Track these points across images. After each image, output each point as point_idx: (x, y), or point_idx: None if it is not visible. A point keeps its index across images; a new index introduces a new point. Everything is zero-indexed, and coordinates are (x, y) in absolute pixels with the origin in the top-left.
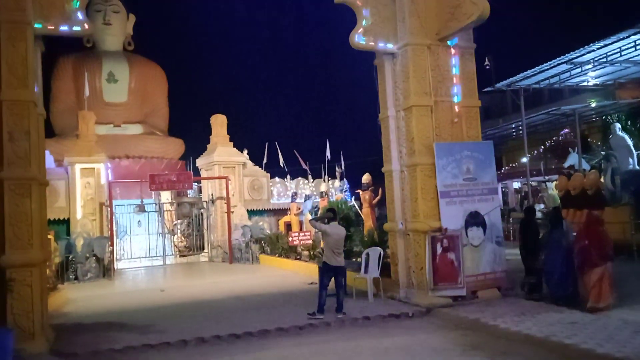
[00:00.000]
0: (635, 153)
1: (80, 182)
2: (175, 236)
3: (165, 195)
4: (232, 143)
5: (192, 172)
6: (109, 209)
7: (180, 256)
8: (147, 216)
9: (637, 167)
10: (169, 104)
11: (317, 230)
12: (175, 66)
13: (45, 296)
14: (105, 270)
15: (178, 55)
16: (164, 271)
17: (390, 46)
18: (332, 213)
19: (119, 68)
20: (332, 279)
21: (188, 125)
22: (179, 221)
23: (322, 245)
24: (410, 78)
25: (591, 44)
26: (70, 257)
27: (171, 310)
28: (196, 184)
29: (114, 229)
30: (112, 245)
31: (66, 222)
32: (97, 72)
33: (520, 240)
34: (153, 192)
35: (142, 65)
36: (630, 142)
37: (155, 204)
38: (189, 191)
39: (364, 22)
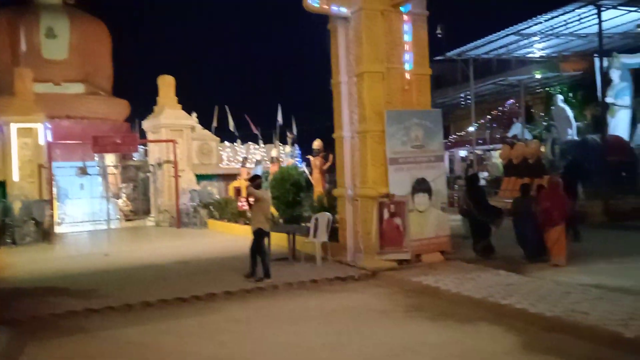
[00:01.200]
0: (574, 124)
1: (17, 142)
2: (120, 200)
3: (110, 158)
4: (180, 105)
5: (138, 135)
6: (48, 171)
7: (126, 220)
8: (90, 179)
9: (575, 137)
10: (114, 63)
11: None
12: (120, 23)
13: None
14: (45, 234)
15: (124, 11)
16: (108, 236)
17: (343, 10)
18: (260, 178)
19: (58, 23)
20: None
21: (134, 86)
22: (124, 185)
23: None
24: (363, 44)
25: (539, 16)
26: (7, 220)
27: (115, 275)
28: (142, 147)
29: (54, 191)
30: (52, 208)
31: (2, 185)
32: (34, 27)
33: (468, 205)
34: (96, 155)
35: (84, 21)
36: (570, 114)
37: (99, 167)
38: (135, 154)
39: None
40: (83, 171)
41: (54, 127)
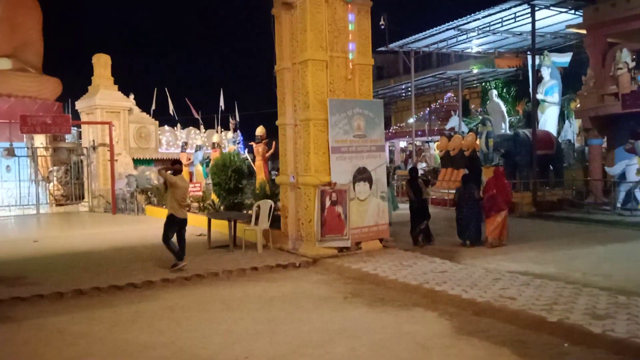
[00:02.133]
0: (507, 118)
1: None
2: (51, 184)
3: (40, 139)
4: (117, 86)
5: (70, 116)
6: None
7: (57, 205)
8: (18, 161)
9: (508, 131)
10: (44, 39)
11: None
12: None
13: None
14: None
15: None
16: (38, 221)
17: None
18: (179, 164)
19: None
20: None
21: (67, 63)
22: (55, 168)
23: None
24: (307, 31)
25: (477, 12)
26: None
27: (45, 262)
28: (75, 128)
29: None
30: None
31: None
32: None
33: (411, 197)
34: (25, 135)
35: None
36: (504, 108)
37: (28, 148)
38: (67, 136)
39: None
40: (10, 152)
41: None
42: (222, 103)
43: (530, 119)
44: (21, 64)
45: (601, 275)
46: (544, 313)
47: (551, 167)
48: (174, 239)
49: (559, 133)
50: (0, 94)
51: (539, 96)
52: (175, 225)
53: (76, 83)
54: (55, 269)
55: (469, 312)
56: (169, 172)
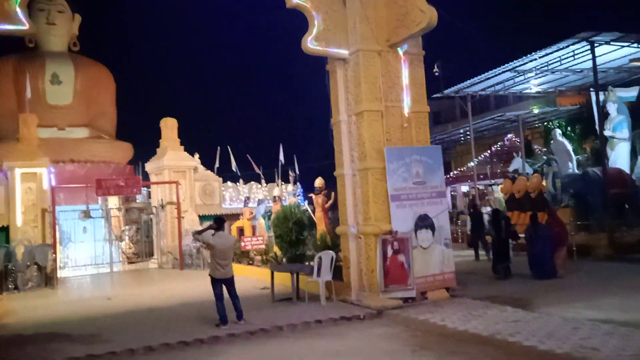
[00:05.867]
0: (574, 157)
1: (21, 187)
2: (123, 242)
3: (113, 201)
4: (182, 147)
5: (141, 177)
6: (52, 215)
7: (129, 263)
8: (93, 222)
9: (576, 171)
10: (117, 107)
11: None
12: (123, 68)
13: None
14: (48, 279)
15: (127, 56)
16: (111, 279)
17: (342, 51)
18: (217, 223)
19: (63, 69)
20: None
21: (137, 128)
22: (127, 227)
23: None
24: (362, 83)
25: (533, 53)
26: (10, 265)
27: (118, 319)
28: (145, 188)
29: (58, 235)
30: (55, 252)
31: (5, 230)
32: (39, 73)
33: (493, 235)
34: (100, 198)
35: (88, 67)
36: (570, 147)
37: (102, 210)
38: (138, 196)
39: (315, 28)
40: (86, 214)
41: (58, 171)
42: (281, 157)
43: (599, 157)
44: (96, 131)
45: None
46: None
47: (627, 206)
48: (227, 299)
49: (632, 170)
50: (79, 161)
51: (607, 132)
52: (217, 285)
53: (146, 146)
54: (127, 325)
55: None
56: (210, 230)
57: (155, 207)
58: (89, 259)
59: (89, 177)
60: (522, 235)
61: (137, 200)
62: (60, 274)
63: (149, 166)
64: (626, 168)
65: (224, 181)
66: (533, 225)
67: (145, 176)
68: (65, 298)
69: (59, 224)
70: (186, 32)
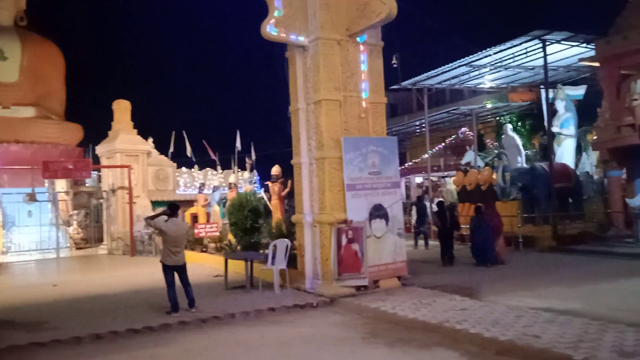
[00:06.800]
0: (523, 152)
1: None
2: (71, 227)
3: (61, 184)
4: (135, 130)
5: (91, 160)
6: None
7: (77, 249)
8: (39, 206)
9: (524, 165)
10: (67, 86)
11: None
12: (74, 46)
13: None
14: None
15: (78, 34)
16: (58, 265)
17: (301, 39)
18: (171, 209)
19: (9, 45)
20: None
21: (88, 110)
22: (75, 211)
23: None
24: (321, 72)
25: (488, 49)
26: None
27: (64, 306)
28: (95, 172)
29: (0, 219)
30: None
31: None
32: None
33: (438, 226)
34: (46, 181)
35: (36, 43)
36: (519, 142)
37: (49, 193)
38: (88, 180)
39: (275, 13)
40: (32, 197)
41: (2, 151)
42: (238, 144)
43: (547, 152)
44: (44, 111)
45: (627, 311)
46: (570, 351)
47: (570, 200)
48: (179, 286)
49: (576, 165)
50: (24, 141)
51: (555, 129)
52: (169, 272)
53: (97, 128)
54: (74, 313)
55: (491, 352)
56: (163, 216)
57: (106, 191)
58: (34, 244)
59: (36, 159)
60: (464, 226)
61: (87, 184)
62: (2, 259)
63: (100, 149)
64: (571, 163)
65: (179, 167)
66: (477, 216)
67: (96, 159)
68: (8, 284)
69: (2, 207)
70: (142, 12)
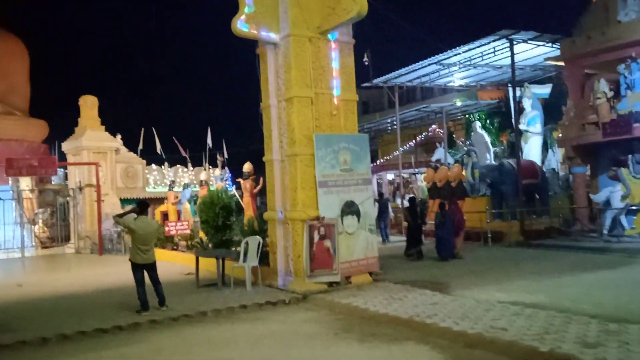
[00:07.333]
0: (492, 149)
1: None
2: (37, 226)
3: (25, 182)
4: (103, 127)
5: (57, 157)
6: None
7: (42, 248)
8: (3, 204)
9: (493, 162)
10: (31, 82)
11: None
12: (39, 41)
13: None
14: None
15: (43, 28)
16: (23, 264)
17: (273, 35)
18: (140, 207)
19: None
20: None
21: (53, 106)
22: (41, 210)
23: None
24: (292, 69)
25: (457, 48)
26: None
27: (30, 306)
28: (62, 169)
29: None
30: None
31: None
32: None
33: (409, 221)
34: (10, 178)
35: None
36: (488, 139)
37: (13, 191)
38: (53, 177)
39: (246, 9)
40: None
41: None
42: (209, 140)
43: (514, 149)
44: (8, 107)
45: (591, 303)
46: (536, 343)
47: (537, 196)
48: (149, 285)
49: (543, 162)
50: None
51: (522, 127)
52: (138, 270)
53: (63, 125)
54: (40, 313)
55: (460, 345)
56: (132, 214)
57: (73, 189)
58: None
59: None
60: (431, 222)
61: (53, 182)
62: None
63: (66, 146)
64: (538, 160)
65: (148, 164)
66: (441, 212)
67: (62, 156)
68: None
69: None
70: (110, 6)
